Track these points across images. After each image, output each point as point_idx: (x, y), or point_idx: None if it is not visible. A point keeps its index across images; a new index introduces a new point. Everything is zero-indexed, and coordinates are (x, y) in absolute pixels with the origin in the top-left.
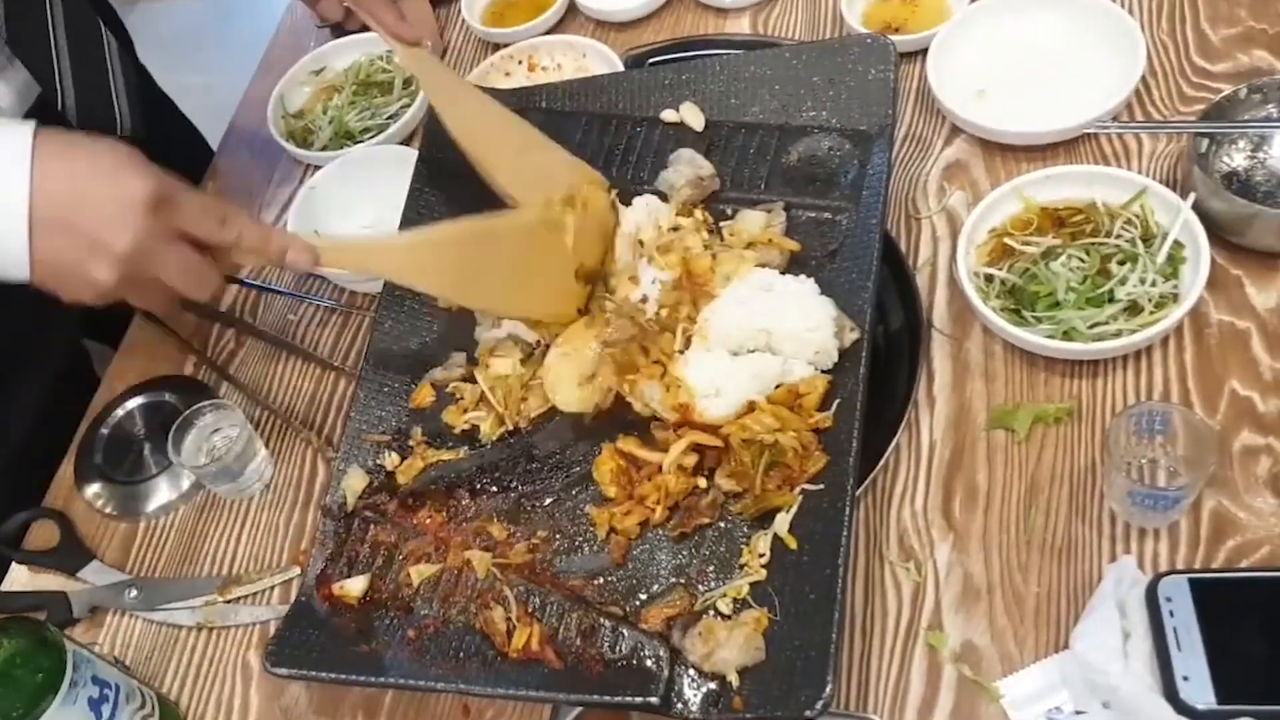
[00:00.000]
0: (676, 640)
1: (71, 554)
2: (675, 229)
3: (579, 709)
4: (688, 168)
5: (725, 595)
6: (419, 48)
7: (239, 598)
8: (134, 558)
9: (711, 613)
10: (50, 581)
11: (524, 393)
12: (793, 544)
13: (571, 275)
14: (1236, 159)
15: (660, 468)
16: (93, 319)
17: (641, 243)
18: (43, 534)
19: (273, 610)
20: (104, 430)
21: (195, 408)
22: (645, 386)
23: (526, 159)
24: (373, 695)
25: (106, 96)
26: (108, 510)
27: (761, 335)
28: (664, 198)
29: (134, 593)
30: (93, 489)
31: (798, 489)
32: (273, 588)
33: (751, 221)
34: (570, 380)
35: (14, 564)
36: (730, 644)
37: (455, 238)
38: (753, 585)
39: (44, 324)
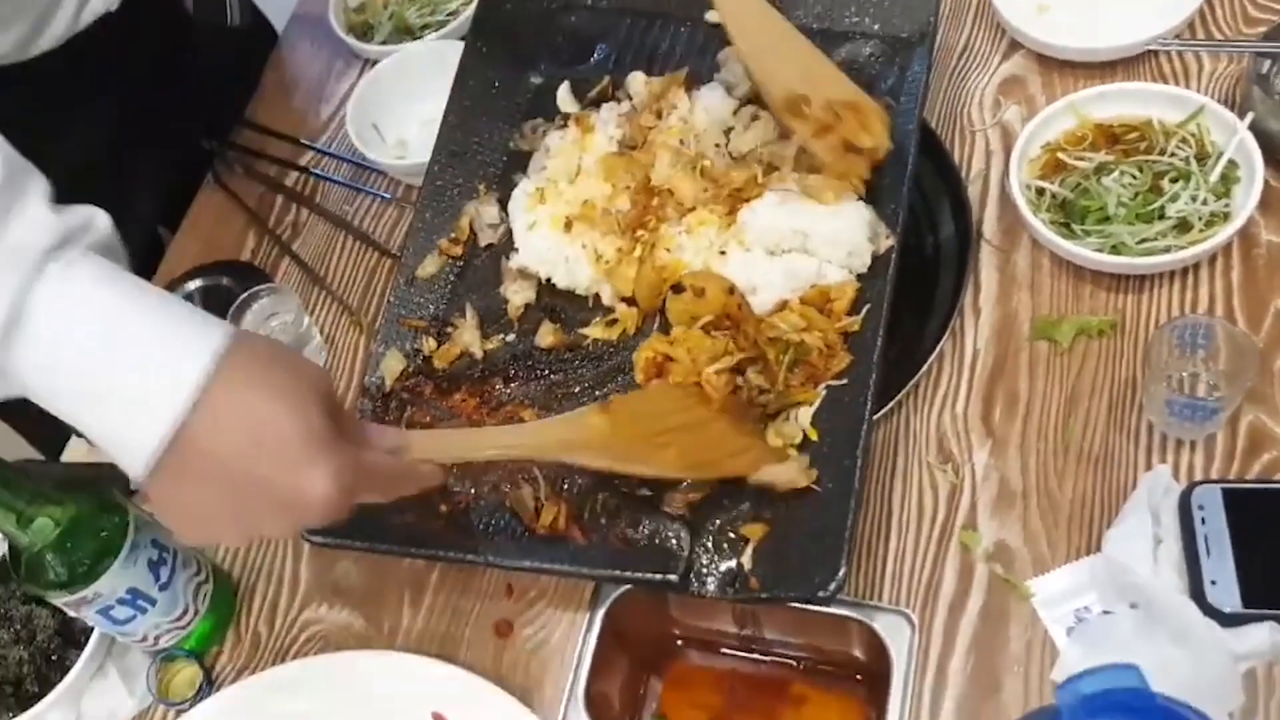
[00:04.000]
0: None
1: None
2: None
3: (620, 590)
4: (738, 66)
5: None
6: None
7: None
8: None
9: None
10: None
11: None
12: (814, 435)
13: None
14: None
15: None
16: (169, 206)
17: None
18: None
19: None
20: None
21: (251, 291)
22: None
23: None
24: (419, 573)
25: None
26: None
27: (798, 236)
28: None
29: None
30: None
31: (821, 386)
32: None
33: None
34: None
35: (73, 436)
36: (790, 464)
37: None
38: None
39: (123, 213)
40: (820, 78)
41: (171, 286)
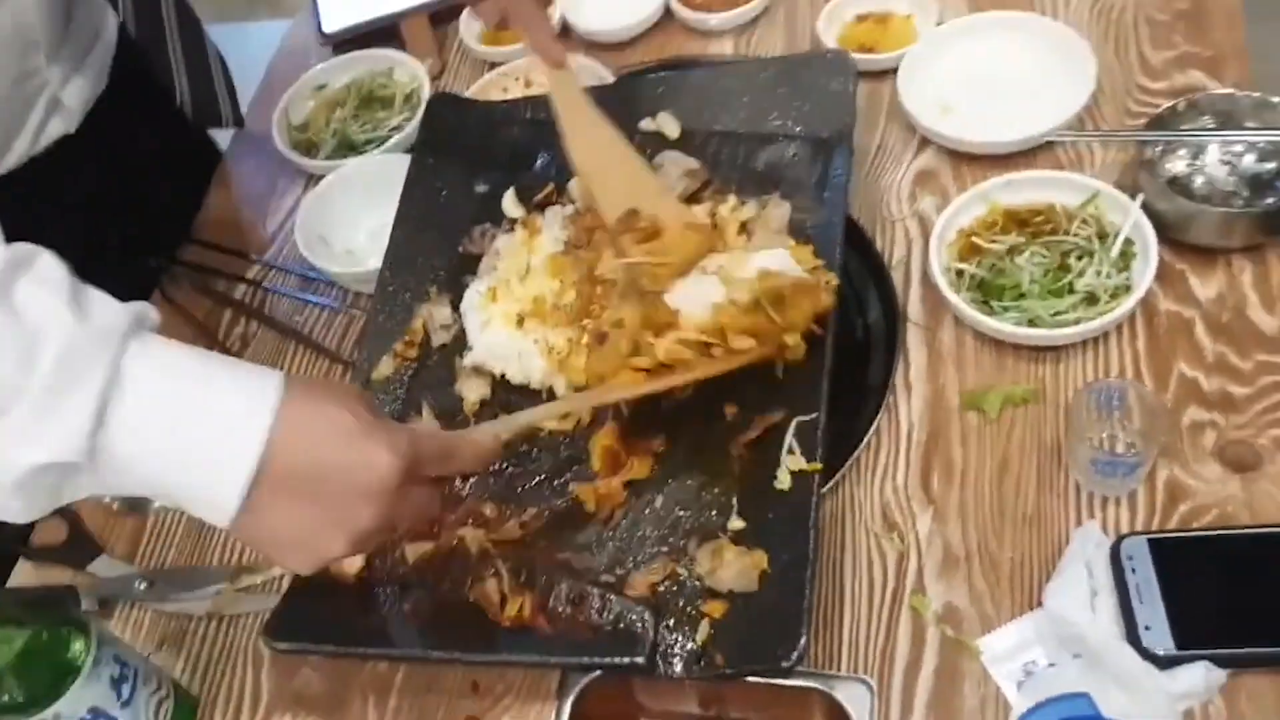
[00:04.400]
0: (691, 549)
1: (79, 549)
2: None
3: (586, 678)
4: (674, 166)
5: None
6: (562, 70)
7: (250, 585)
8: (143, 551)
9: (725, 535)
10: (59, 576)
11: None
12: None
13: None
14: (1178, 165)
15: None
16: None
17: None
18: (50, 531)
19: None
20: None
21: None
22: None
23: (633, 198)
24: (383, 675)
25: (213, 93)
26: (115, 506)
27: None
28: None
29: (144, 584)
30: None
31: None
32: (284, 575)
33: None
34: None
35: (20, 560)
36: (733, 566)
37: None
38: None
39: None
40: (648, 192)
41: None
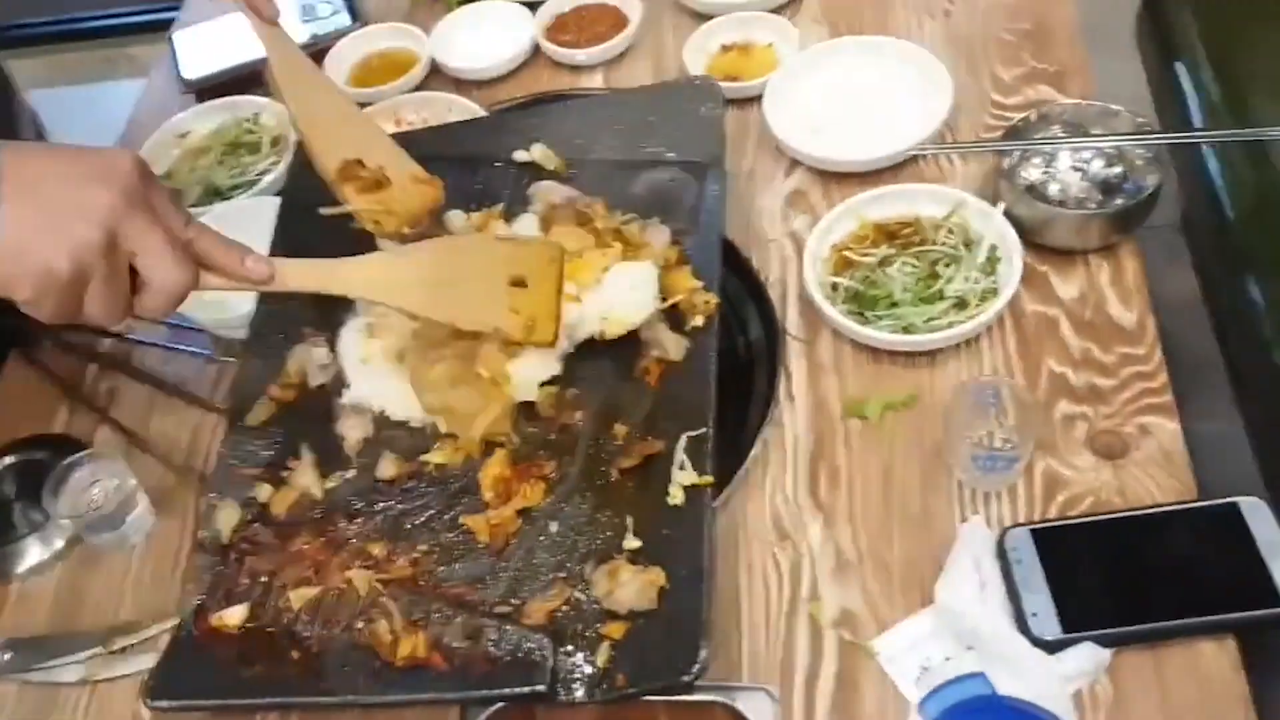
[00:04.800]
0: (588, 573)
1: None
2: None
3: (487, 712)
4: (550, 194)
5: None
6: (275, 26)
7: (125, 646)
8: (5, 620)
9: (622, 555)
10: None
11: None
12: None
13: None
14: (1033, 173)
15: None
16: None
17: None
18: None
19: None
20: None
21: (73, 458)
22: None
23: (358, 151)
24: None
25: None
26: None
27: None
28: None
29: (7, 655)
30: None
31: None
32: (162, 634)
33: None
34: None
35: None
36: (630, 586)
37: (423, 249)
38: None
39: None
40: (375, 147)
41: None
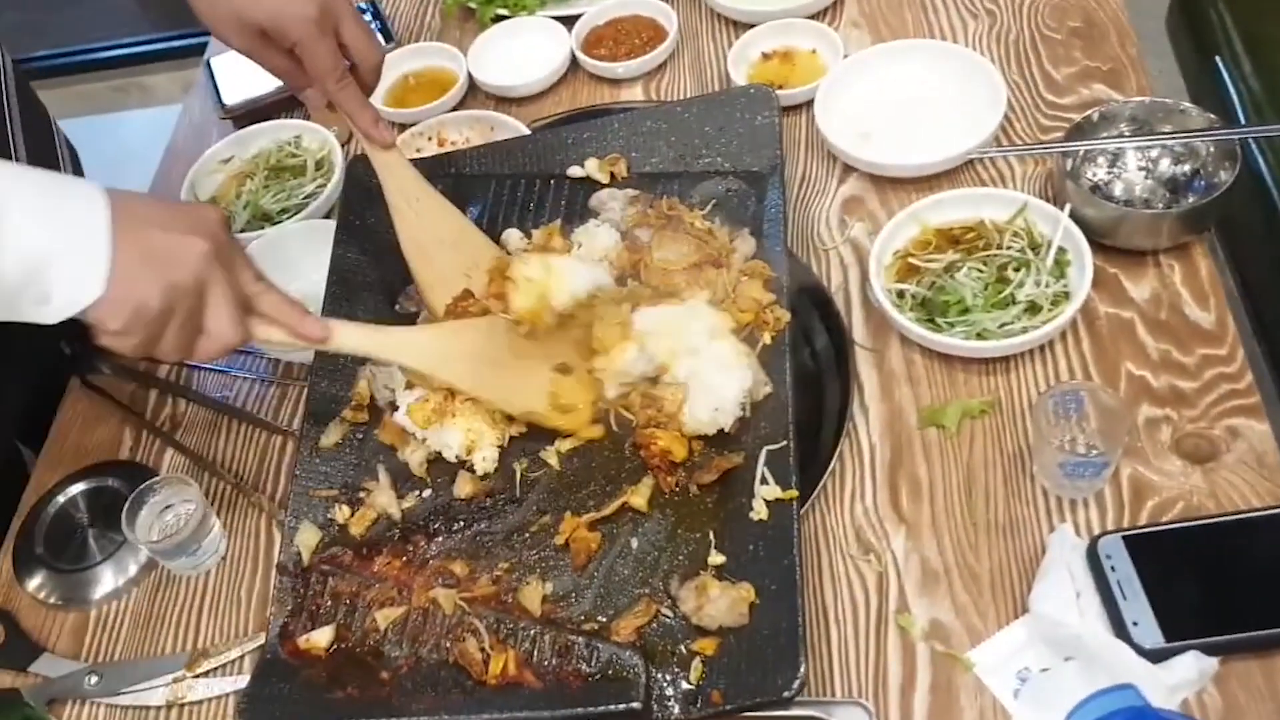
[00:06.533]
0: (673, 590)
1: (18, 650)
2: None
3: None
4: (615, 201)
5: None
6: (390, 152)
7: (208, 670)
8: (89, 645)
9: (707, 571)
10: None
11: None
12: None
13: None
14: (1098, 174)
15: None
16: (27, 418)
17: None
18: None
19: (245, 679)
20: (44, 519)
21: (147, 484)
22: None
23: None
24: None
25: None
26: (53, 601)
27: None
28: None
29: (94, 679)
30: (35, 581)
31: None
32: (243, 657)
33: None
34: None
35: None
36: (720, 601)
37: (478, 327)
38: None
39: None
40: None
41: (50, 495)
